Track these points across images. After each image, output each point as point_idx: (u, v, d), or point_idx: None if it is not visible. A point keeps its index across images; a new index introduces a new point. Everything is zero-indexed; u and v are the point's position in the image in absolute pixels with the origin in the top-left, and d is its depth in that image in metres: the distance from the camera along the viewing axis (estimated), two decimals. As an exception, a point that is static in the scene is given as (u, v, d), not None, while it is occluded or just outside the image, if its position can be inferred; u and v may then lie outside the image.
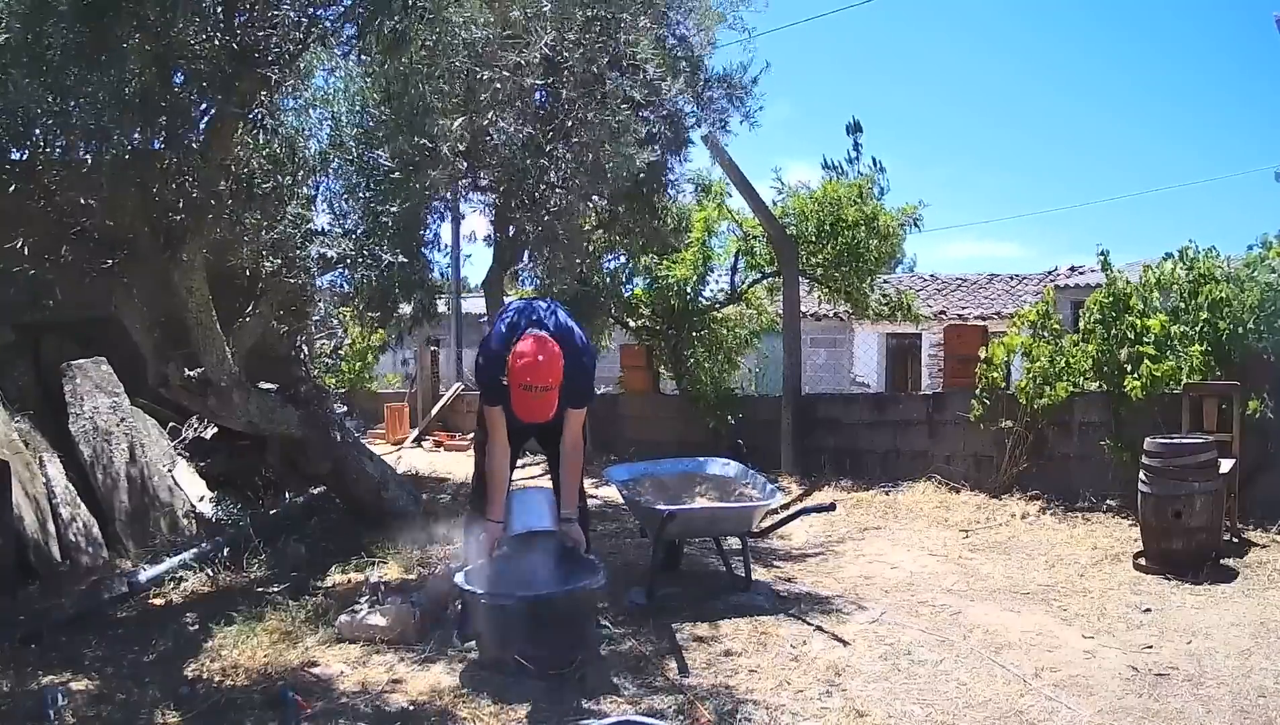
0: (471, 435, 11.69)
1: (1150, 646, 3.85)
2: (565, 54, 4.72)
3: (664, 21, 5.26)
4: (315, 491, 6.04)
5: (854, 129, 9.35)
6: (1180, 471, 4.97)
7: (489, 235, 7.07)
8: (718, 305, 9.78)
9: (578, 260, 6.73)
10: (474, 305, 15.31)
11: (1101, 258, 6.83)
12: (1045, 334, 7.00)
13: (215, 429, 6.15)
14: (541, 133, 5.06)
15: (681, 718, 3.17)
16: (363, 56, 3.94)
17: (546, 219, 5.33)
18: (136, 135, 3.77)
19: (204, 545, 5.02)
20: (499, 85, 4.40)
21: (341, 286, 5.31)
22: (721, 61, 6.25)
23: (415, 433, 12.57)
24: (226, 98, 3.70)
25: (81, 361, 5.61)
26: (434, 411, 13.02)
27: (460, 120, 4.43)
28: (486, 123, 4.77)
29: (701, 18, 5.57)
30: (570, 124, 4.94)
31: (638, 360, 10.17)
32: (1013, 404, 6.93)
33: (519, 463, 4.26)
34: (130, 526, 5.22)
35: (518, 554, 3.81)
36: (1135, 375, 6.23)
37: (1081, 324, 6.86)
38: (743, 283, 9.83)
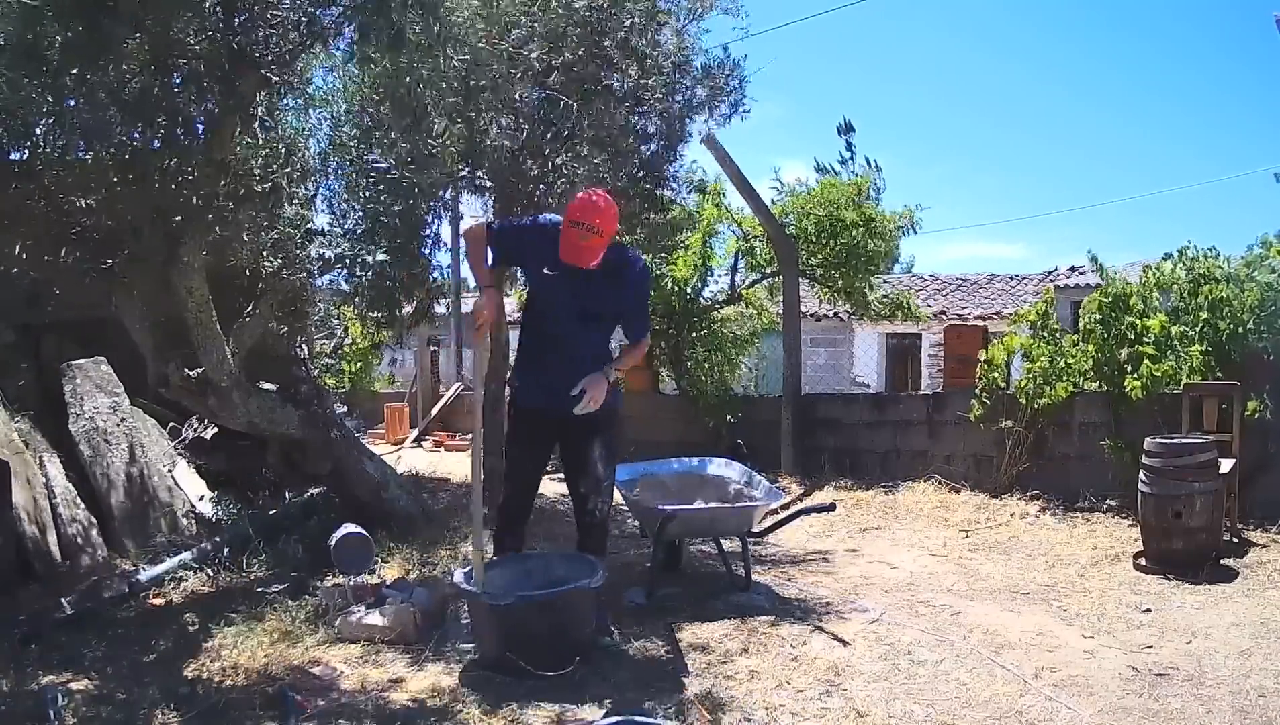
0: (472, 436, 11.73)
1: (1150, 646, 3.85)
2: (561, 47, 4.71)
3: (659, 14, 5.23)
4: (315, 491, 6.04)
5: (845, 129, 9.37)
6: (1180, 471, 4.97)
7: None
8: (718, 305, 9.78)
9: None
10: (474, 305, 15.30)
11: (1093, 262, 6.84)
12: (1045, 334, 7.00)
13: (215, 429, 6.14)
14: (537, 132, 5.05)
15: (681, 718, 3.17)
16: (361, 57, 3.93)
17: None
18: (136, 135, 3.78)
19: (204, 545, 5.01)
20: (496, 84, 4.40)
21: (341, 286, 5.32)
22: (711, 57, 6.15)
23: (415, 433, 12.58)
24: (225, 98, 3.70)
25: (81, 361, 5.61)
26: (434, 412, 13.02)
27: (458, 121, 4.43)
28: (484, 123, 4.77)
29: (695, 4, 5.54)
30: (567, 122, 4.94)
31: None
32: (1013, 404, 6.93)
33: (546, 471, 4.16)
34: (130, 526, 5.21)
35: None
36: (1135, 375, 6.23)
37: (1081, 324, 6.86)
38: (743, 283, 9.83)
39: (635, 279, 3.81)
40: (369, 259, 4.71)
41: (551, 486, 5.87)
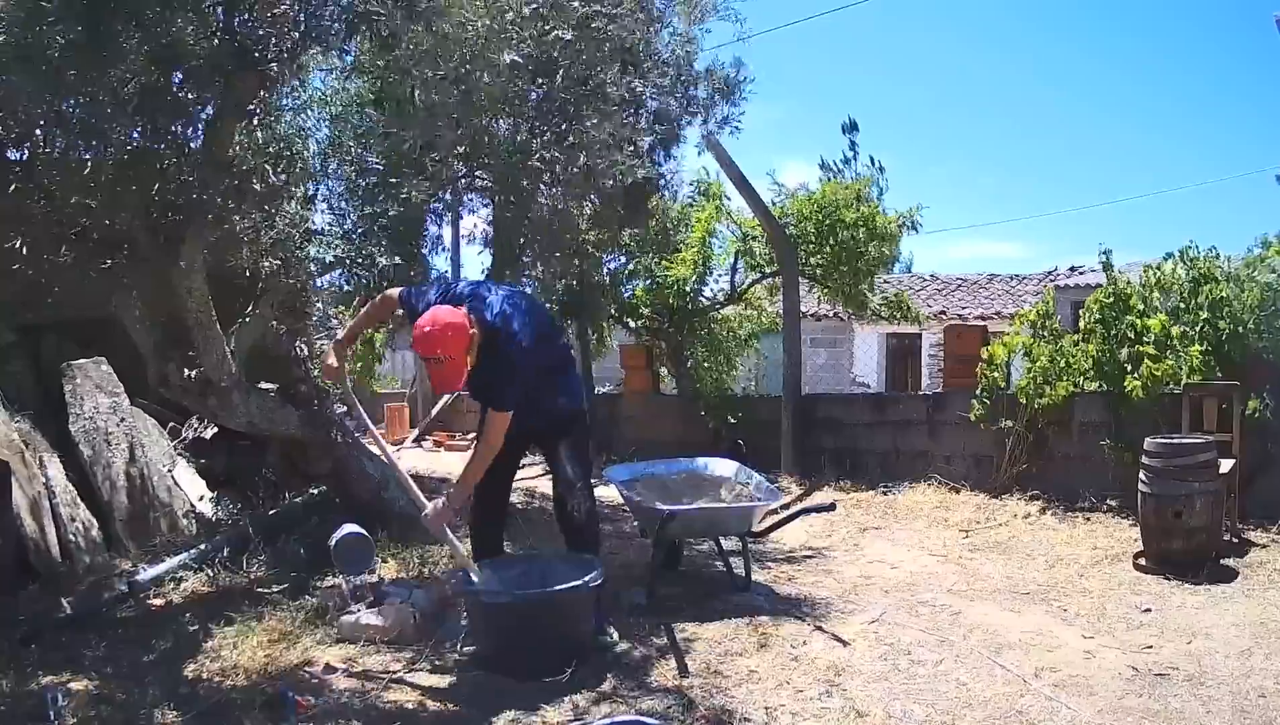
0: (471, 435, 11.74)
1: (1150, 646, 3.85)
2: (558, 52, 4.71)
3: (656, 16, 5.23)
4: (315, 491, 6.04)
5: (850, 128, 9.38)
6: (1180, 471, 4.97)
7: (487, 236, 7.06)
8: (718, 305, 9.78)
9: (575, 261, 6.71)
10: (474, 305, 15.29)
11: (1103, 258, 6.83)
12: (1045, 334, 7.00)
13: (215, 429, 6.15)
14: (535, 133, 5.05)
15: (681, 718, 3.17)
16: (359, 56, 3.93)
17: (541, 219, 5.31)
18: (136, 135, 3.78)
19: (204, 545, 5.01)
20: (495, 85, 4.39)
21: (340, 287, 5.32)
22: (708, 59, 6.12)
23: (415, 433, 12.58)
24: (226, 97, 3.70)
25: (81, 361, 5.61)
26: (434, 411, 13.02)
27: (457, 121, 4.43)
28: (484, 123, 4.77)
29: (692, 9, 5.54)
30: (564, 125, 4.94)
31: (638, 360, 10.17)
32: (1013, 404, 6.93)
33: (521, 464, 4.22)
34: (130, 526, 5.21)
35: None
36: (1135, 375, 6.23)
37: (1081, 324, 6.86)
38: (742, 283, 9.84)
39: (502, 351, 3.70)
40: (379, 259, 4.71)
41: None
